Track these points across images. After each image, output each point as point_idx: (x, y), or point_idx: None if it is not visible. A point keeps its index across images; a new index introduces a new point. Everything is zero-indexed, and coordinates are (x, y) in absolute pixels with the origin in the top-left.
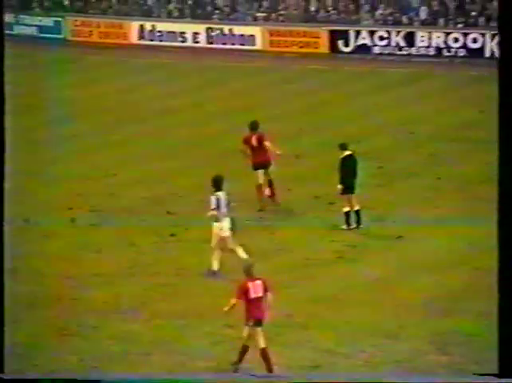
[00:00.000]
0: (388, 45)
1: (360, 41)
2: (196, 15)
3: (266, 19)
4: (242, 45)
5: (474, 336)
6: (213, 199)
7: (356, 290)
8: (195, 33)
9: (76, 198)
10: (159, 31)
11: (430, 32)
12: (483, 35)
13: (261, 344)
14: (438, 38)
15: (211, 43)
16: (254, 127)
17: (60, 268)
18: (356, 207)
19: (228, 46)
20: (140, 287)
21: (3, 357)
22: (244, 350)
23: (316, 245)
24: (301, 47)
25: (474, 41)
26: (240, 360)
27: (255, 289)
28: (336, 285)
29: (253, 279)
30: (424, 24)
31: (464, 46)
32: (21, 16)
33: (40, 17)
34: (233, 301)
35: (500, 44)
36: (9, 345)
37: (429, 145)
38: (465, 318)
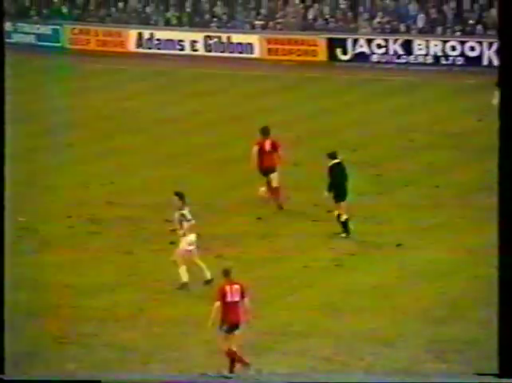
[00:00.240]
0: (386, 53)
1: (358, 50)
2: (194, 23)
3: (264, 27)
4: (240, 53)
5: (472, 344)
6: (177, 215)
7: (355, 298)
8: (193, 41)
9: (74, 206)
10: (158, 39)
11: (428, 40)
12: (481, 43)
13: (232, 347)
14: (436, 46)
15: (209, 51)
16: (265, 132)
17: (58, 276)
18: (345, 217)
19: (226, 54)
20: (139, 295)
21: (3, 357)
22: (231, 355)
23: (315, 253)
24: (299, 55)
25: (472, 49)
26: (232, 369)
27: (232, 293)
28: (335, 293)
29: (231, 283)
30: (422, 32)
31: (462, 54)
32: (20, 24)
33: (38, 26)
34: (216, 304)
35: (500, 51)
36: (7, 352)
37: (428, 153)
38: (463, 326)
